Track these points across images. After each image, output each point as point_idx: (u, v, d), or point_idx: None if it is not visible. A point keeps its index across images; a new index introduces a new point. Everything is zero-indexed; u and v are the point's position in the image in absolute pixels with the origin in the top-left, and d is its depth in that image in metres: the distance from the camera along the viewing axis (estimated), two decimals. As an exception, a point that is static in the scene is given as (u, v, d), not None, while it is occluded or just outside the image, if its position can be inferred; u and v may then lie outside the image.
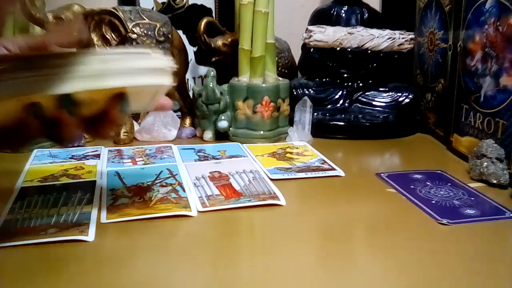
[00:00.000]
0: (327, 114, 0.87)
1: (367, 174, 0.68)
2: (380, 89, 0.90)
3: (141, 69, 0.40)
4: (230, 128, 0.81)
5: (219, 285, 0.41)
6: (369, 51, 0.90)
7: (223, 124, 0.80)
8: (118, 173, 0.64)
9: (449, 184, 0.64)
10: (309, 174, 0.66)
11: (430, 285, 0.41)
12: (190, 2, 1.00)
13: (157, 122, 0.81)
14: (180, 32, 0.89)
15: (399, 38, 0.90)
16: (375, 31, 0.89)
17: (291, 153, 0.75)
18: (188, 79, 0.99)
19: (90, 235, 0.48)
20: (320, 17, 0.95)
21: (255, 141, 0.80)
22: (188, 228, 0.51)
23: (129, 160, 0.69)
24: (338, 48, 0.90)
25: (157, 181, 0.61)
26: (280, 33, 0.95)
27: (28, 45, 0.41)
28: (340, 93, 0.90)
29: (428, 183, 0.64)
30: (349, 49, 0.90)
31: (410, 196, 0.59)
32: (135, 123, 0.83)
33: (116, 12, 0.75)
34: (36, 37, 0.40)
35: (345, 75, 0.91)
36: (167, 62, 0.43)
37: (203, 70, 0.97)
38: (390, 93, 0.90)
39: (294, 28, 1.03)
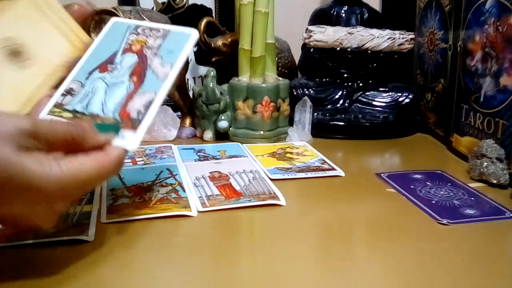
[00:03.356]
0: (327, 114, 0.87)
1: (367, 174, 0.68)
2: (380, 89, 0.90)
3: None
4: (230, 128, 0.81)
5: (219, 285, 0.41)
6: (369, 51, 0.90)
7: (223, 124, 0.80)
8: (118, 173, 0.64)
9: (449, 184, 0.64)
10: (309, 174, 0.66)
11: (430, 285, 0.42)
12: (190, 2, 1.00)
13: (157, 122, 0.81)
14: (180, 32, 0.89)
15: (399, 38, 0.90)
16: (375, 31, 0.89)
17: (291, 153, 0.75)
18: (188, 79, 0.99)
19: (90, 235, 0.48)
20: (320, 17, 0.95)
21: (255, 141, 0.80)
22: (188, 228, 0.51)
23: (129, 160, 0.69)
24: (338, 48, 0.90)
25: (157, 181, 0.61)
26: (280, 33, 0.95)
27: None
28: (340, 93, 0.90)
29: (428, 183, 0.64)
30: (349, 49, 0.90)
31: (410, 196, 0.59)
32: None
33: (116, 12, 0.75)
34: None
35: (345, 75, 0.91)
36: None
37: (203, 70, 0.97)
38: (390, 93, 0.90)
39: (294, 28, 1.03)
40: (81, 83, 0.48)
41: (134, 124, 0.45)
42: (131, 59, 0.49)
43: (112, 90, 0.47)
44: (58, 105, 0.47)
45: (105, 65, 0.49)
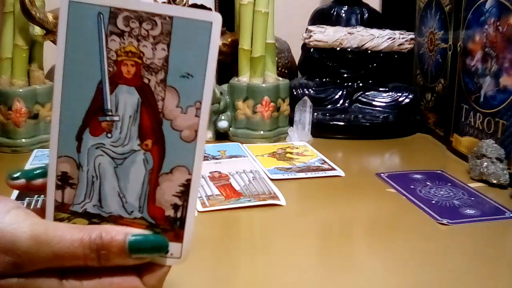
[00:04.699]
0: (327, 114, 0.87)
1: (367, 174, 0.68)
2: (380, 89, 0.90)
3: None
4: (230, 128, 0.81)
5: (219, 285, 0.41)
6: (369, 51, 0.90)
7: (223, 124, 0.80)
8: None
9: (449, 184, 0.64)
10: (309, 174, 0.66)
11: (430, 285, 0.41)
12: (190, 2, 1.00)
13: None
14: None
15: (399, 38, 0.90)
16: (375, 31, 0.89)
17: (291, 153, 0.75)
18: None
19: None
20: (320, 17, 0.95)
21: (255, 141, 0.80)
22: (188, 228, 0.51)
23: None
24: (338, 48, 0.90)
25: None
26: (280, 33, 0.95)
27: None
28: (340, 93, 0.90)
29: (428, 183, 0.64)
30: (349, 49, 0.90)
31: (410, 196, 0.59)
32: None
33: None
34: None
35: (345, 75, 0.91)
36: None
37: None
38: (390, 93, 0.90)
39: (294, 28, 1.03)
40: (74, 160, 0.31)
41: (174, 227, 0.31)
42: (129, 101, 0.30)
43: (124, 170, 0.31)
44: (61, 206, 0.31)
45: (96, 119, 0.30)
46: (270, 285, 0.41)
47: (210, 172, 0.65)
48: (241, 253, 0.47)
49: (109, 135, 0.31)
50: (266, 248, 0.48)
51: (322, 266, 0.45)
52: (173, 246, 0.31)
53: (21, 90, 0.74)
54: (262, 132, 0.80)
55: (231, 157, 0.72)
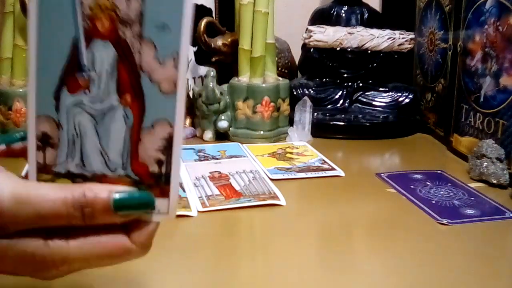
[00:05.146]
0: (327, 114, 0.87)
1: (367, 174, 0.68)
2: (380, 89, 0.90)
3: None
4: (230, 128, 0.81)
5: (219, 285, 0.41)
6: (369, 51, 0.90)
7: (223, 124, 0.80)
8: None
9: (449, 184, 0.64)
10: (309, 174, 0.66)
11: (430, 285, 0.41)
12: (190, 2, 1.00)
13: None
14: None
15: (399, 38, 0.90)
16: (375, 31, 0.89)
17: (291, 153, 0.75)
18: (188, 79, 0.99)
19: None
20: (320, 17, 0.95)
21: (255, 141, 0.80)
22: (188, 228, 0.51)
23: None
24: (338, 48, 0.90)
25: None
26: (280, 33, 0.95)
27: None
28: (340, 93, 0.90)
29: (428, 183, 0.64)
30: (349, 49, 0.90)
31: (410, 196, 0.59)
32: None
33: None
34: None
35: (345, 75, 0.91)
36: None
37: (203, 70, 0.97)
38: (390, 93, 0.90)
39: (294, 28, 1.03)
40: (53, 120, 0.30)
41: (159, 182, 0.30)
42: (106, 55, 0.30)
43: (104, 127, 0.30)
44: (43, 168, 0.31)
45: (72, 76, 0.30)
46: (270, 285, 0.41)
47: (210, 172, 0.65)
48: (241, 253, 0.47)
49: (87, 91, 0.30)
50: (266, 248, 0.48)
51: (322, 266, 0.45)
52: (160, 202, 0.30)
53: (21, 90, 0.74)
54: (262, 132, 0.80)
55: (231, 157, 0.72)
